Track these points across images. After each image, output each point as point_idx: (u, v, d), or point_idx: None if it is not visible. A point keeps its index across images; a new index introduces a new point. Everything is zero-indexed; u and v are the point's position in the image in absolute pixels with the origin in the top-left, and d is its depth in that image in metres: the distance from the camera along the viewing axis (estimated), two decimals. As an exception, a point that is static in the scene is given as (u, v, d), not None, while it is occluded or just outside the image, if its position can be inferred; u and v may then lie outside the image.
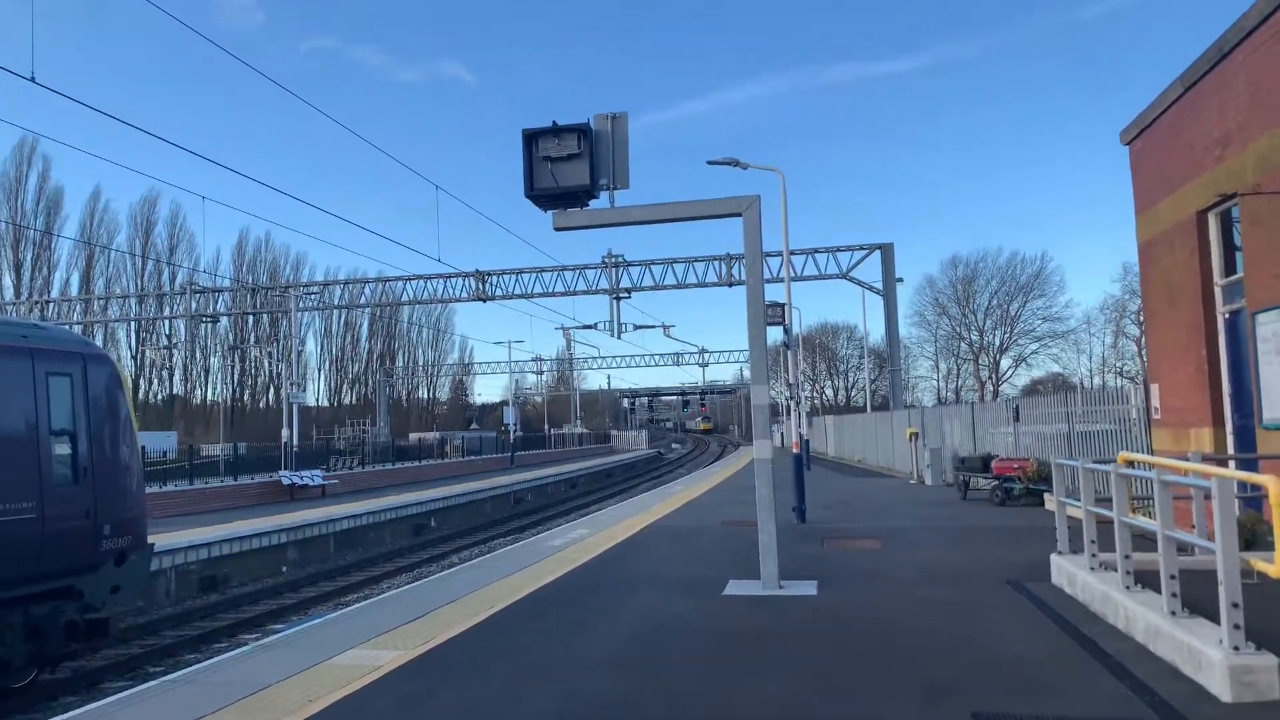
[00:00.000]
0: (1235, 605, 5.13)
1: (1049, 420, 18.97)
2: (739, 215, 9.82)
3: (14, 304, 63.57)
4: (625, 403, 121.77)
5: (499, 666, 6.73)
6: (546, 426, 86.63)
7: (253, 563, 18.92)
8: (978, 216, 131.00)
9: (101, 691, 9.86)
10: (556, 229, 9.94)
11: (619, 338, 49.18)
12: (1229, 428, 10.95)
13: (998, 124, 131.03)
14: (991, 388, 78.28)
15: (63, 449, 9.89)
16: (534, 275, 47.35)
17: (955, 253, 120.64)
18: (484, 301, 48.24)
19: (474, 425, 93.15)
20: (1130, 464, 8.13)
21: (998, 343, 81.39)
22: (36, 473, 9.43)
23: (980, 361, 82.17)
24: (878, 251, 45.88)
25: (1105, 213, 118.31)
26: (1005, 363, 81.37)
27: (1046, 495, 16.04)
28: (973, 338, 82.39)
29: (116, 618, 10.89)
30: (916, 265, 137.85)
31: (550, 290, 47.48)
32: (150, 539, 11.27)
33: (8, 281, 72.81)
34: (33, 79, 14.83)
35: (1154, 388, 13.02)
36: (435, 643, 7.58)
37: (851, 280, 45.99)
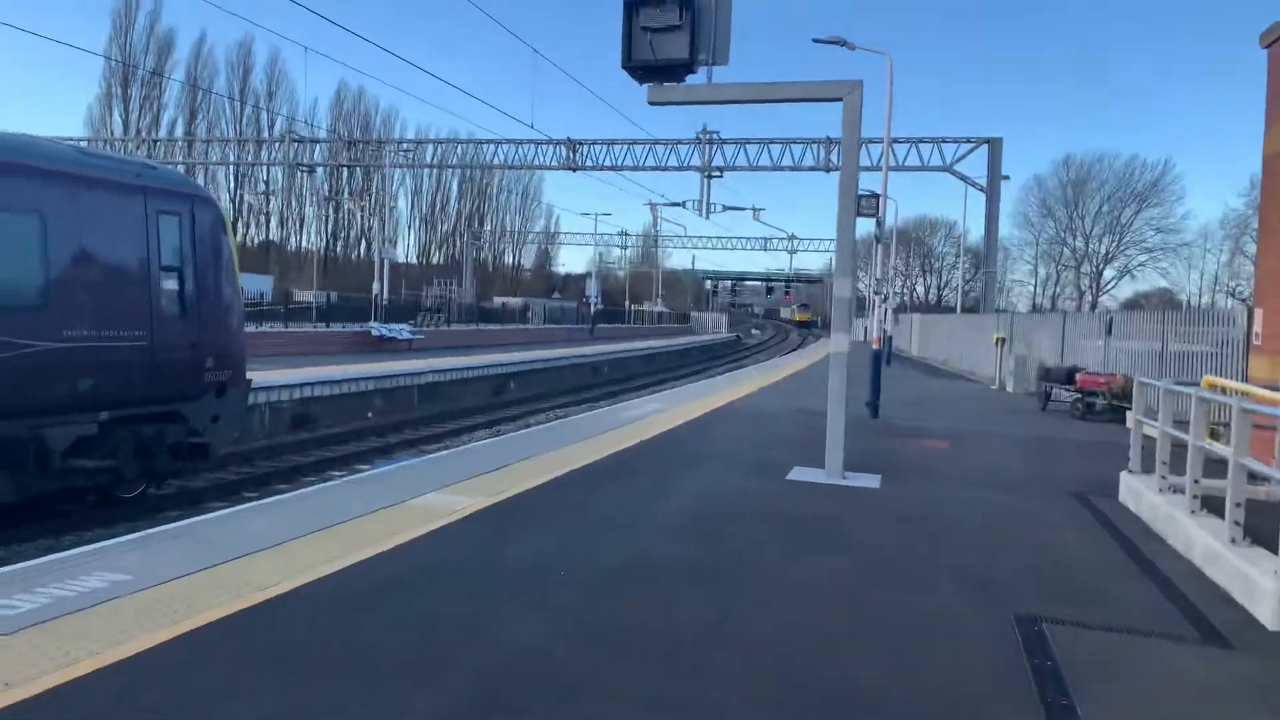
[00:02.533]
0: (1297, 537, 5.12)
1: (1144, 337, 18.40)
2: (839, 100, 9.58)
3: (123, 140, 65.55)
4: (708, 284, 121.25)
5: (569, 521, 7.13)
6: (627, 302, 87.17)
7: (341, 406, 19.88)
8: (1095, 116, 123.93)
9: (203, 509, 10.69)
10: (651, 103, 9.83)
11: (707, 218, 48.60)
12: (1331, 361, 10.54)
13: (1125, 15, 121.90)
14: (1091, 298, 75.65)
15: (171, 284, 10.47)
16: (625, 147, 46.78)
17: (1069, 153, 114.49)
18: (573, 170, 48.02)
19: (556, 294, 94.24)
20: (1216, 389, 7.96)
21: (1104, 251, 78.11)
22: (148, 305, 10.03)
23: (1082, 270, 79.20)
24: (985, 146, 43.97)
25: (1238, 121, 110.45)
26: (1109, 273, 78.31)
27: (1128, 413, 15.75)
28: (1077, 244, 79.20)
29: (216, 445, 11.68)
30: (1025, 164, 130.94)
31: (641, 164, 46.92)
32: (248, 375, 11.97)
33: (117, 118, 74.88)
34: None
35: (1258, 312, 12.51)
36: (511, 494, 8.03)
37: (954, 174, 44.33)
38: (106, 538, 6.71)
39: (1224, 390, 8.35)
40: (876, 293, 27.29)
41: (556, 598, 5.26)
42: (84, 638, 4.33)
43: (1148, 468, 8.63)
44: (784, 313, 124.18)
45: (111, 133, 71.20)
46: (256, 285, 50.85)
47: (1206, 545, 6.35)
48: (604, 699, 3.90)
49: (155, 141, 61.65)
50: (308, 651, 4.32)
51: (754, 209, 58.23)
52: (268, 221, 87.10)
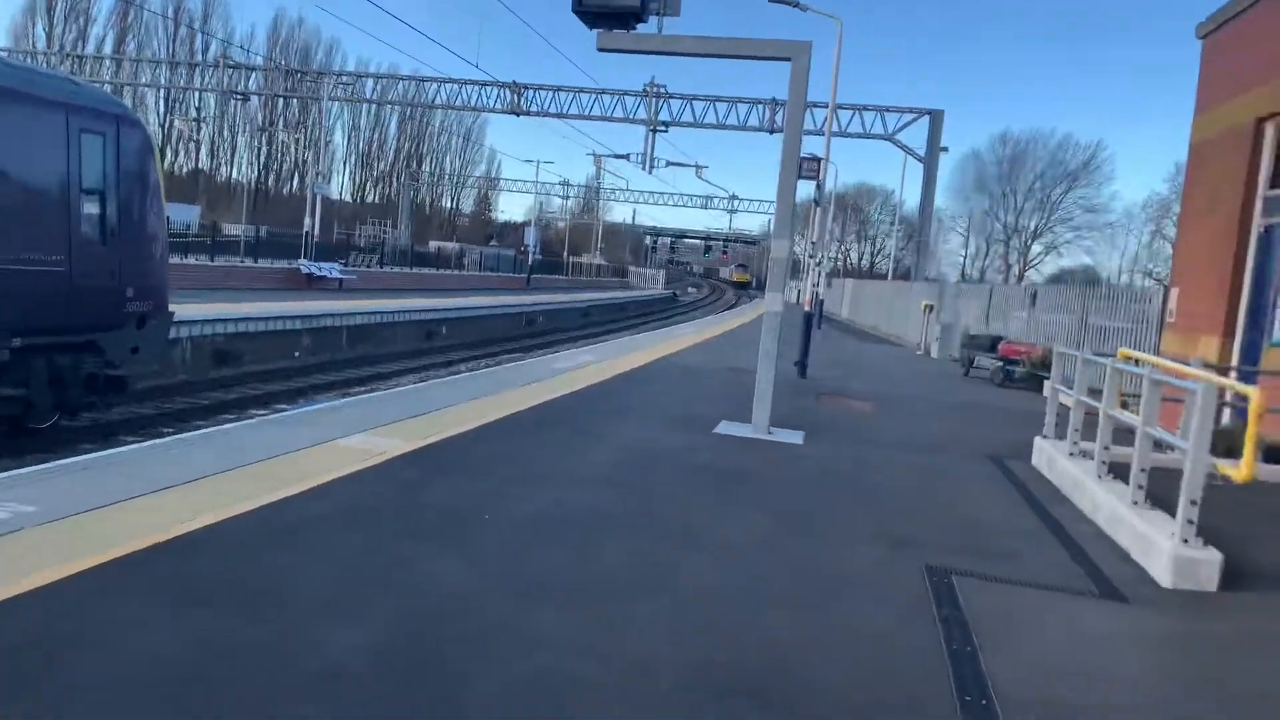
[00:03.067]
0: (1193, 502, 5.38)
1: (1066, 310, 18.96)
2: (789, 60, 9.56)
3: (45, 54, 62.44)
4: (648, 240, 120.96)
5: (494, 468, 7.11)
6: (566, 254, 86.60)
7: (267, 344, 19.46)
8: (1033, 95, 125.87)
9: (117, 442, 10.40)
10: (600, 49, 9.68)
11: (650, 172, 48.48)
12: (1237, 340, 10.99)
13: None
14: (1018, 272, 77.59)
15: (92, 208, 10.06)
16: (571, 95, 46.19)
17: (1006, 129, 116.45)
18: (517, 115, 47.25)
19: (494, 241, 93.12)
20: (1130, 360, 8.25)
21: (1033, 227, 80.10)
22: (66, 229, 9.63)
23: (1011, 244, 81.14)
24: (927, 117, 44.49)
25: (1168, 107, 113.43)
26: (1037, 248, 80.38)
27: (1046, 382, 16.25)
28: (1008, 219, 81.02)
29: (133, 378, 11.35)
30: (963, 138, 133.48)
31: (587, 113, 46.41)
32: (171, 308, 11.61)
33: (41, 30, 71.36)
34: None
35: (1173, 291, 12.97)
36: (435, 439, 7.97)
37: (895, 143, 44.80)
38: (14, 469, 6.49)
39: (1137, 362, 8.66)
40: (811, 256, 27.52)
41: (477, 543, 5.26)
42: (-14, 566, 4.20)
43: (1061, 434, 8.93)
44: (722, 272, 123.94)
45: (34, 45, 67.78)
46: (183, 215, 49.20)
47: (1111, 508, 6.61)
48: (522, 644, 3.93)
49: (81, 58, 58.71)
50: (219, 587, 4.25)
51: (697, 166, 58.23)
52: (198, 150, 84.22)
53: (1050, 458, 8.71)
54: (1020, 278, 73.55)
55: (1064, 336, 18.12)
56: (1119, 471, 7.08)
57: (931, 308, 27.61)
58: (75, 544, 4.60)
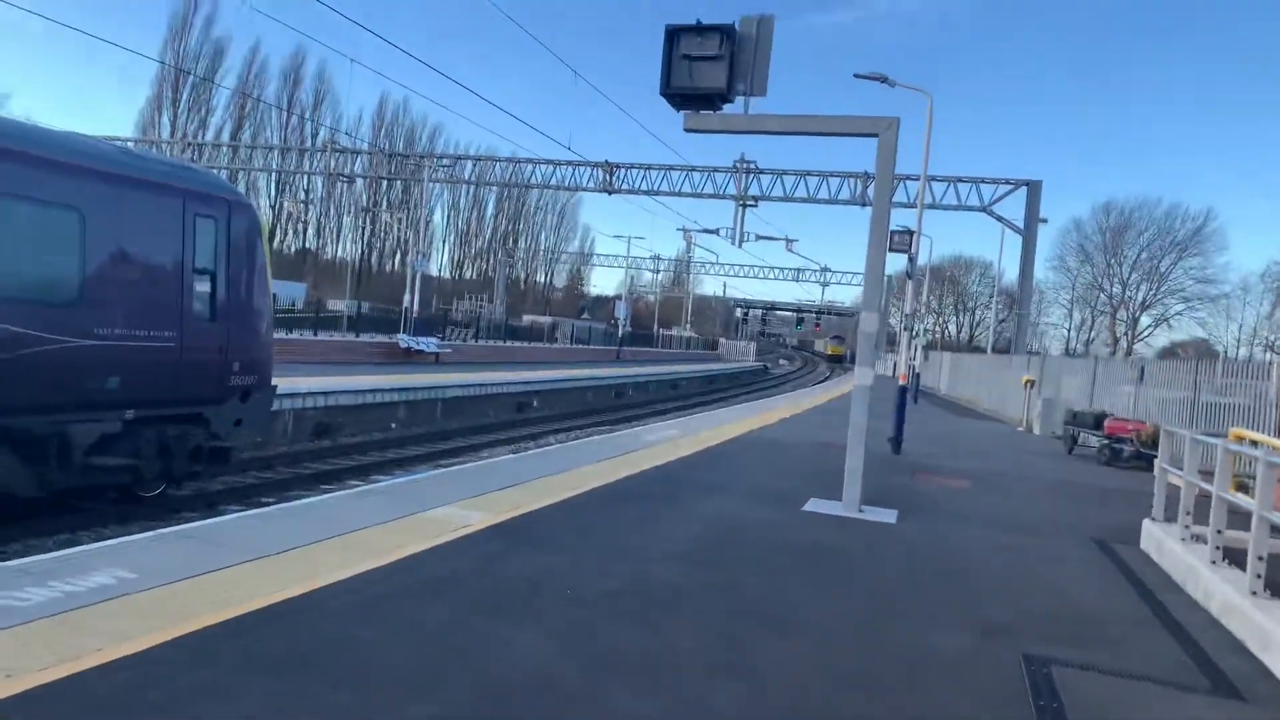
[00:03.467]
0: (1317, 593, 5.01)
1: (1176, 386, 18.15)
2: (875, 136, 9.58)
3: (169, 143, 66.80)
4: (738, 312, 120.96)
5: (577, 541, 7.10)
6: (656, 326, 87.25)
7: (364, 416, 20.01)
8: (1138, 162, 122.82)
9: (218, 511, 10.77)
10: (687, 130, 9.88)
11: (740, 246, 48.57)
12: (1365, 418, 10.33)
13: (1172, 62, 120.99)
14: (1126, 344, 74.72)
15: (203, 287, 10.60)
16: (661, 173, 46.98)
17: (1109, 198, 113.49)
18: (609, 193, 48.26)
19: (585, 315, 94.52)
20: (1243, 440, 7.82)
21: (1140, 298, 77.24)
22: (179, 306, 10.17)
23: (1118, 316, 78.32)
24: (1024, 188, 43.70)
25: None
26: (1145, 320, 77.32)
27: (1155, 461, 15.51)
28: (1114, 290, 78.38)
29: (237, 449, 11.79)
30: (1063, 208, 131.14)
31: (677, 189, 47.07)
32: (274, 381, 12.09)
33: (166, 120, 76.43)
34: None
35: (1292, 366, 12.31)
36: (522, 512, 8.02)
37: (991, 214, 44.06)
38: (121, 535, 6.78)
39: (1252, 443, 8.21)
40: (906, 328, 27.10)
41: (559, 617, 5.23)
42: (90, 633, 4.36)
43: (1171, 516, 8.48)
44: (816, 345, 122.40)
45: (159, 134, 72.67)
46: (290, 292, 51.49)
47: (1225, 596, 6.21)
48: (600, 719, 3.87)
49: (200, 145, 62.72)
50: (306, 657, 4.32)
51: (787, 239, 58.08)
52: (305, 229, 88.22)
53: (1159, 542, 8.26)
54: (1128, 351, 70.81)
55: (1174, 414, 17.32)
56: (1235, 558, 6.66)
57: (1033, 382, 26.77)
58: (170, 611, 4.75)
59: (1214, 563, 6.82)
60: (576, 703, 4.04)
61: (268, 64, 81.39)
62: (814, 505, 9.72)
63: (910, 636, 5.47)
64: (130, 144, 47.89)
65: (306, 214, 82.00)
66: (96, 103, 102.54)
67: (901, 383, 18.40)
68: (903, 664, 4.96)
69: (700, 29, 9.50)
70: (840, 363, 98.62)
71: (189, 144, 63.14)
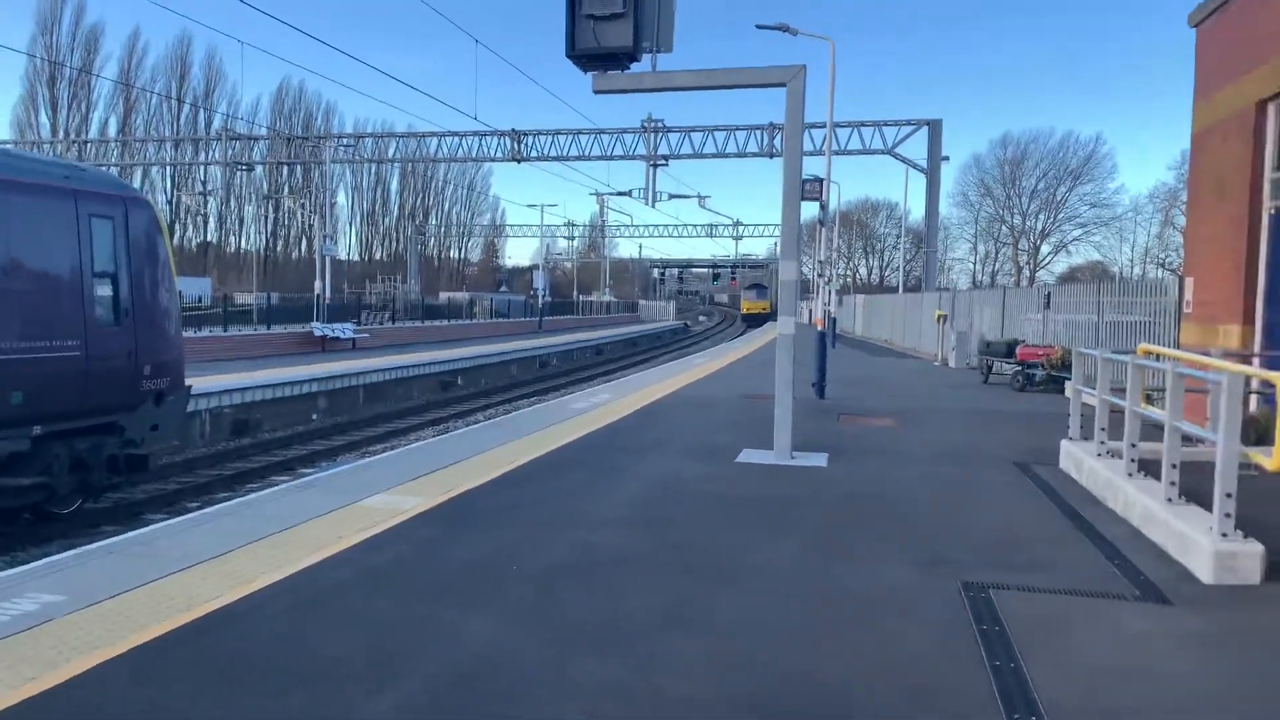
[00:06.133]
0: (1229, 495, 5.28)
1: (1081, 309, 18.82)
2: (783, 85, 9.61)
3: (51, 143, 63.59)
4: (655, 273, 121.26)
5: (517, 517, 7.07)
6: (575, 293, 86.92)
7: (284, 409, 19.55)
8: (1032, 96, 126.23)
9: (141, 522, 10.43)
10: (596, 91, 9.76)
11: (654, 206, 48.68)
12: (1258, 326, 10.87)
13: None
14: (1029, 274, 77.25)
15: (105, 291, 10.16)
16: (570, 137, 46.64)
17: (1006, 131, 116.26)
18: (519, 162, 47.74)
19: (503, 288, 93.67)
20: (1150, 355, 8.15)
21: (1040, 227, 79.89)
22: (81, 313, 9.73)
23: (1020, 246, 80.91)
24: (925, 127, 44.69)
25: (1166, 98, 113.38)
26: (1045, 248, 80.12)
27: (1067, 383, 16.11)
28: (1014, 221, 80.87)
29: (155, 455, 11.40)
30: (964, 144, 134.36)
31: (586, 154, 46.84)
32: (188, 381, 11.69)
33: (44, 119, 72.74)
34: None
35: (1188, 281, 12.86)
36: (458, 491, 7.94)
37: (896, 156, 44.97)
38: (40, 557, 6.51)
39: (1158, 357, 8.57)
40: (820, 275, 27.53)
41: (508, 594, 5.21)
42: (21, 662, 4.18)
43: (1087, 435, 8.83)
44: (745, 300, 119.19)
45: (39, 134, 69.08)
46: (195, 288, 49.79)
47: (1144, 506, 6.51)
48: (564, 692, 3.87)
49: (86, 143, 59.80)
50: (254, 662, 4.22)
51: (699, 196, 58.37)
52: (205, 223, 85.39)
53: (1078, 460, 8.60)
54: (1031, 279, 73.21)
55: (1081, 336, 17.98)
56: (1149, 469, 6.97)
57: (945, 317, 27.50)
58: (105, 631, 4.58)
59: (1131, 475, 7.13)
60: (537, 677, 4.04)
61: (149, 51, 78.01)
62: (747, 456, 9.85)
63: (853, 575, 5.60)
64: (8, 145, 45.40)
65: (206, 206, 79.21)
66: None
67: (819, 328, 18.72)
68: (849, 602, 5.08)
69: (602, -13, 9.35)
70: (760, 323, 75.37)
71: (73, 141, 60.23)
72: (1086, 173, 76.73)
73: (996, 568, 5.71)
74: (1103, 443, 8.18)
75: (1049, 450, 9.66)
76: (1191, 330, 12.48)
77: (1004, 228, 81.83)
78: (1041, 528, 6.86)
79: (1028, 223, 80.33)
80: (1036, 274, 77.12)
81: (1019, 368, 18.16)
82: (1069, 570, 5.70)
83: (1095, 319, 17.66)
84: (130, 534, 6.93)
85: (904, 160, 44.92)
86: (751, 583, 5.44)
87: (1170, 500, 6.20)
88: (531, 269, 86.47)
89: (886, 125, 44.71)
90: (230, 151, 50.96)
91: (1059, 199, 78.52)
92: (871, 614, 4.90)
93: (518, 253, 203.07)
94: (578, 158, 47.08)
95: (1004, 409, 14.91)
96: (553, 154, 47.20)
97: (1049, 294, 21.18)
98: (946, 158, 45.76)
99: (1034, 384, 17.66)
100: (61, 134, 69.07)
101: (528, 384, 30.17)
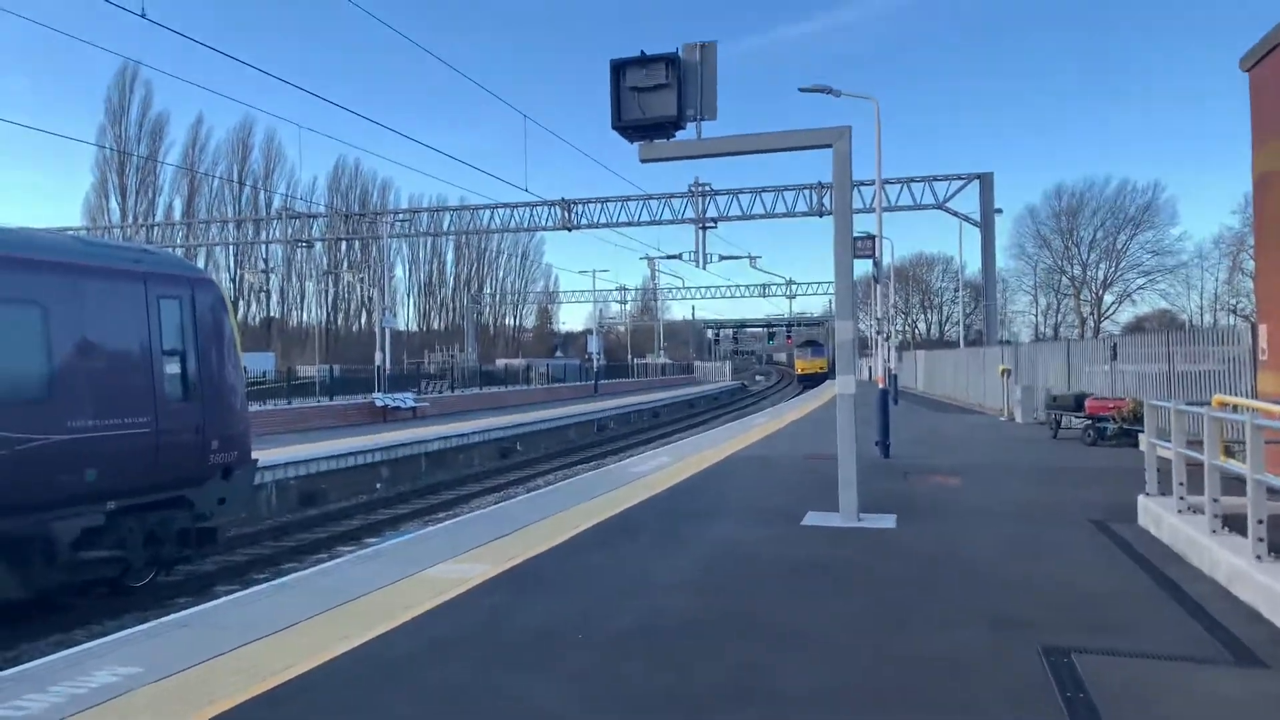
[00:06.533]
0: (1323, 551, 5.05)
1: (1149, 360, 18.36)
2: (829, 146, 9.68)
3: (120, 227, 66.28)
4: (709, 334, 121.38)
5: (582, 583, 7.03)
6: (629, 356, 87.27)
7: (348, 480, 19.80)
8: (1085, 145, 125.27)
9: (212, 594, 10.58)
10: (643, 160, 9.93)
11: (704, 268, 48.87)
12: (1339, 372, 10.48)
13: (1107, 46, 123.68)
14: (1093, 324, 75.70)
15: (173, 369, 10.47)
16: (619, 204, 47.24)
17: (1060, 182, 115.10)
18: (569, 230, 48.43)
19: (558, 353, 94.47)
20: (1226, 406, 7.90)
21: (1101, 277, 78.42)
22: (151, 391, 10.03)
23: (1081, 296, 79.41)
24: (976, 181, 44.37)
25: (1224, 141, 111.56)
26: (1108, 298, 78.46)
27: (1140, 436, 15.65)
28: (1075, 271, 79.50)
29: (224, 528, 11.59)
30: (1017, 196, 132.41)
31: (635, 219, 47.34)
32: (254, 454, 11.92)
33: (114, 204, 75.87)
34: (143, 15, 15.22)
35: (1262, 329, 12.48)
36: (521, 559, 7.93)
37: (947, 210, 44.67)
38: (116, 629, 6.63)
39: (1235, 408, 8.30)
40: (879, 332, 27.30)
41: (574, 663, 5.16)
42: (96, 734, 4.24)
43: (1165, 490, 8.54)
44: (780, 356, 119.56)
45: (109, 220, 72.07)
46: (259, 363, 50.98)
47: (1231, 564, 6.24)
48: (629, 764, 3.80)
49: (153, 226, 62.20)
50: (324, 734, 4.22)
51: (750, 256, 58.51)
52: (268, 299, 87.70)
53: (1156, 516, 8.31)
54: (1096, 330, 71.73)
55: (1151, 387, 17.51)
56: (1234, 525, 6.70)
57: (1009, 371, 27.01)
58: (182, 702, 4.63)
59: (1214, 531, 6.86)
60: (605, 749, 3.97)
61: (212, 136, 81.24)
62: (812, 519, 9.70)
63: (928, 641, 5.44)
64: (81, 232, 47.50)
65: (268, 283, 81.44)
66: (43, 195, 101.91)
67: (880, 386, 18.49)
68: (922, 669, 4.92)
69: (644, 60, 9.57)
70: (817, 382, 70.53)
71: (140, 226, 62.72)
72: (1147, 220, 75.40)
73: (1078, 630, 5.51)
74: (1182, 498, 7.89)
75: (1126, 506, 9.36)
76: (1269, 378, 12.07)
77: (1064, 278, 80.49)
78: (1123, 588, 6.61)
79: (1088, 273, 78.96)
80: (1101, 324, 75.53)
81: (1089, 421, 17.71)
82: (1155, 632, 5.47)
83: (1166, 369, 17.20)
84: (201, 606, 7.04)
85: (956, 214, 44.61)
86: (822, 650, 5.31)
87: (1259, 557, 5.94)
88: (585, 333, 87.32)
89: (937, 180, 44.54)
90: (290, 229, 52.59)
91: (1119, 248, 77.16)
92: (948, 681, 4.74)
93: (571, 318, 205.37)
94: (627, 223, 47.62)
95: (1076, 464, 14.51)
96: (602, 221, 47.82)
97: (1115, 345, 20.72)
98: (999, 210, 45.33)
99: (1105, 438, 17.19)
100: (130, 219, 71.98)
101: (586, 448, 30.20)
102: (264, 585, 7.87)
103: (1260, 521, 5.98)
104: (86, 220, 71.23)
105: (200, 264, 64.41)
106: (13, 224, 11.63)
